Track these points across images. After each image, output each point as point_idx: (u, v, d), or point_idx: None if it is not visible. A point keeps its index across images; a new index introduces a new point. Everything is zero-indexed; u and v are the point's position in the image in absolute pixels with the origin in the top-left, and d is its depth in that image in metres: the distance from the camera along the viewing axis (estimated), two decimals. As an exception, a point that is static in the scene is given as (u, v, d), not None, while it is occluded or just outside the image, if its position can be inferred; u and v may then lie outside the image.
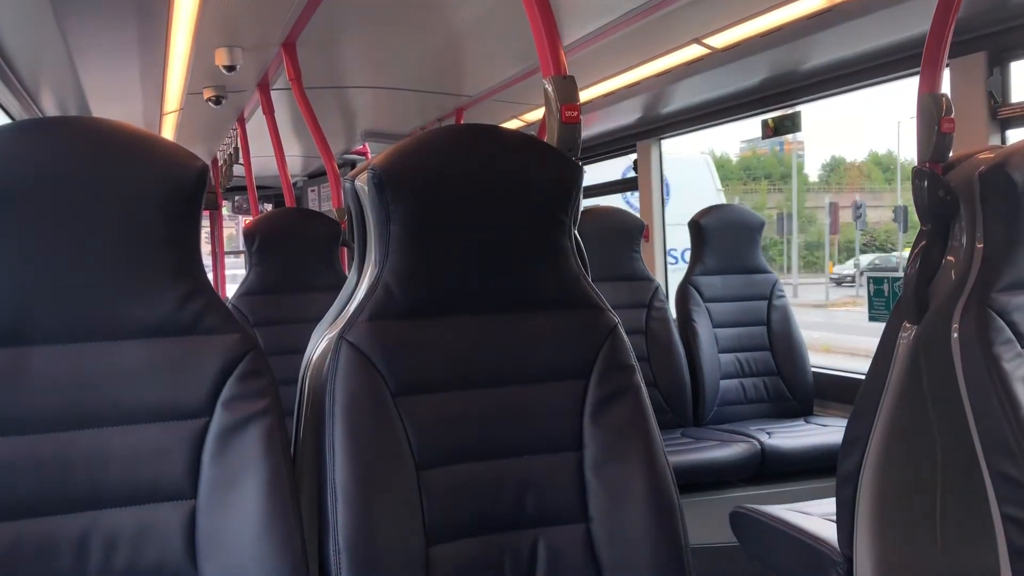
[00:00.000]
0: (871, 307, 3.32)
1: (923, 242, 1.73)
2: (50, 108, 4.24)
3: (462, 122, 4.39)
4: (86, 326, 1.25)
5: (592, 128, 4.51)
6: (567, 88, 1.65)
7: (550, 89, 1.65)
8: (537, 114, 4.38)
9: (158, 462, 1.25)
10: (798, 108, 3.82)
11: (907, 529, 1.76)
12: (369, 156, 5.51)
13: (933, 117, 1.72)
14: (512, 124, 4.60)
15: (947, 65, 1.78)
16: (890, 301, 3.23)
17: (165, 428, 1.26)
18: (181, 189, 1.29)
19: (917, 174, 1.73)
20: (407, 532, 1.32)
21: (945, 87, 1.77)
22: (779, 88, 3.50)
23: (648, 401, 1.50)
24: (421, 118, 4.69)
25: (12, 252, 1.22)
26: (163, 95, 3.98)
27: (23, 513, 1.20)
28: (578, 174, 1.53)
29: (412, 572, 1.31)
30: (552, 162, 1.52)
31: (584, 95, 1.72)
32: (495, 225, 1.47)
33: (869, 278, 3.40)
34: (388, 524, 1.31)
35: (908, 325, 1.72)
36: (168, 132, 4.83)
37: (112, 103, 4.14)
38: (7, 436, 1.21)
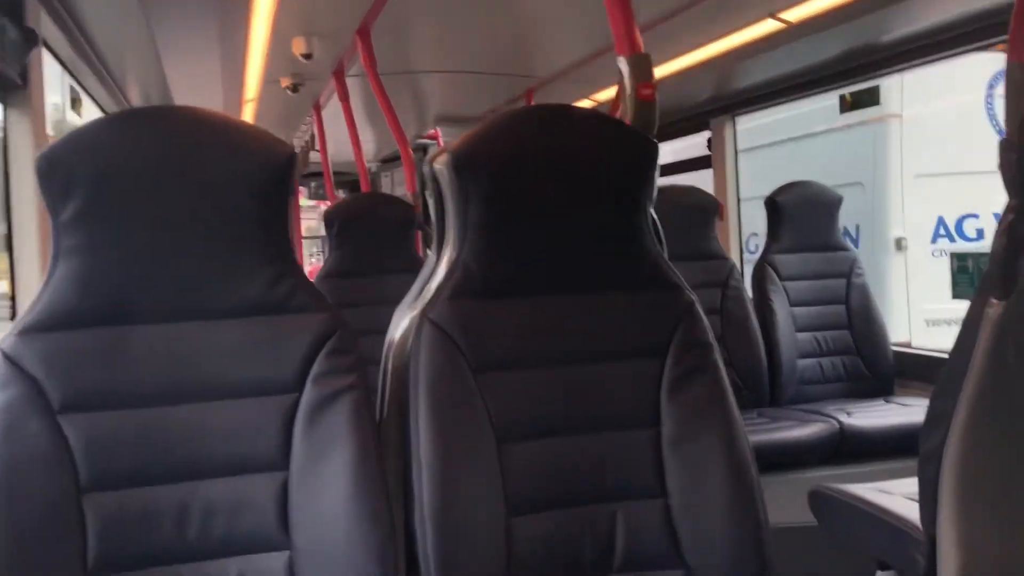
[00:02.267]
0: (954, 284, 3.23)
1: (1011, 216, 1.68)
2: (135, 98, 4.38)
3: (533, 103, 4.40)
4: (184, 306, 1.31)
5: (663, 106, 4.46)
6: (642, 66, 1.65)
7: (625, 68, 1.65)
8: (608, 93, 4.35)
9: (253, 435, 1.30)
10: (877, 82, 3.73)
11: (993, 509, 1.72)
12: (440, 140, 5.55)
13: (1022, 87, 1.66)
14: (583, 104, 4.58)
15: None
16: (974, 277, 3.14)
17: (259, 403, 1.31)
18: (272, 173, 1.34)
19: (1005, 146, 1.68)
20: (489, 503, 1.35)
21: None
22: (857, 61, 3.41)
23: (726, 379, 1.50)
24: (492, 100, 4.71)
25: (115, 237, 1.29)
26: (242, 84, 4.08)
27: (126, 483, 1.26)
28: (654, 152, 1.53)
29: (494, 542, 1.34)
30: (627, 141, 1.53)
31: (656, 73, 1.71)
32: (571, 205, 1.48)
33: (952, 254, 3.31)
34: (471, 496, 1.34)
35: (995, 301, 1.68)
36: (247, 120, 4.94)
37: (193, 93, 4.26)
38: (111, 410, 1.27)
